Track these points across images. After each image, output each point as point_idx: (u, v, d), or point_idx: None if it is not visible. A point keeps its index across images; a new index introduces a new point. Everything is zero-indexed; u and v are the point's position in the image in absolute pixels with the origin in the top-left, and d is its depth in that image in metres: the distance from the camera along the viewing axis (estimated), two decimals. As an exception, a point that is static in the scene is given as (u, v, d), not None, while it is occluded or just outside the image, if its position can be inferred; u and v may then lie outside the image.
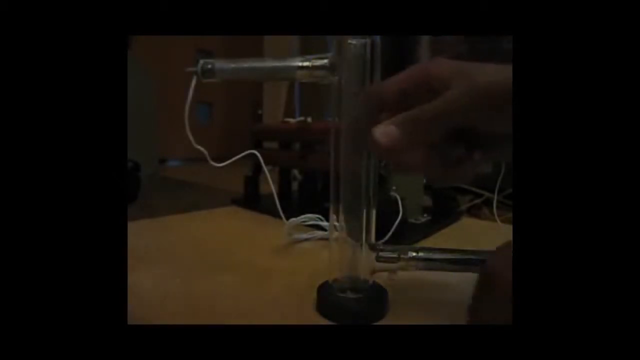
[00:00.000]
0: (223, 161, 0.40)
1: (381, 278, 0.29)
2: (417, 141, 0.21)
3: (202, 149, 0.34)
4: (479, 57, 0.21)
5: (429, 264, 0.28)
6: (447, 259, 0.29)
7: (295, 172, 0.68)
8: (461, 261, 0.28)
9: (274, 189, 0.44)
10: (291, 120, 0.62)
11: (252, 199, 0.65)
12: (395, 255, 0.29)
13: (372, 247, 0.28)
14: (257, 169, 0.64)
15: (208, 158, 0.36)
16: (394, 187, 0.46)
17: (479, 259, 0.27)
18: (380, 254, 0.28)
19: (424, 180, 0.55)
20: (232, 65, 0.29)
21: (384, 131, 0.21)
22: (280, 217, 0.46)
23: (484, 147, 0.23)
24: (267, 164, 0.48)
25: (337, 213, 0.26)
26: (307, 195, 0.61)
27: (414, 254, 0.28)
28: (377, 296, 0.27)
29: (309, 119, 0.59)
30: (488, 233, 0.50)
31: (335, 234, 0.27)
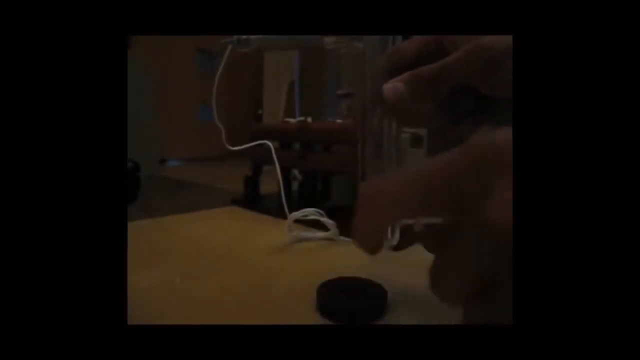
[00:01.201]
0: (223, 161, 0.40)
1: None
2: (422, 96, 0.23)
3: (220, 125, 0.36)
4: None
5: None
6: None
7: (295, 172, 0.68)
8: None
9: (281, 183, 0.44)
10: (291, 120, 0.62)
11: (252, 199, 0.65)
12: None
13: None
14: (257, 169, 0.64)
15: (224, 138, 0.37)
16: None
17: None
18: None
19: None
20: (266, 36, 0.31)
21: (392, 86, 0.23)
22: (280, 217, 0.46)
23: (485, 107, 0.25)
24: (267, 163, 0.48)
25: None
26: (307, 195, 0.61)
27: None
28: (376, 296, 0.27)
29: (309, 119, 0.59)
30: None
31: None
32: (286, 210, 0.43)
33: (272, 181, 0.49)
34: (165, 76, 1.70)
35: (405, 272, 0.29)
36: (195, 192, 0.86)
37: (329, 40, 0.28)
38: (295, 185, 0.67)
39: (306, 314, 0.27)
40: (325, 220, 0.44)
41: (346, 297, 0.27)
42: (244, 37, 0.31)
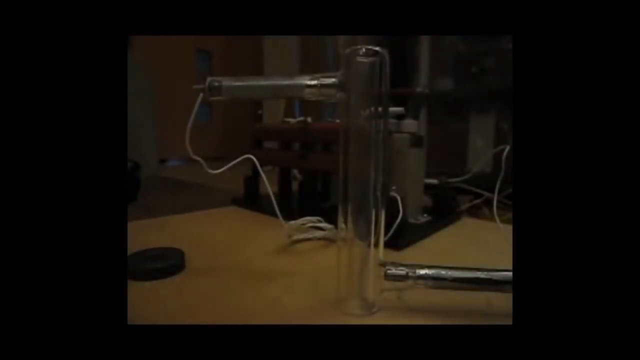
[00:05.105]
0: (223, 160, 0.40)
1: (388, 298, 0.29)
2: None
3: (199, 158, 0.35)
4: (479, 57, 0.22)
5: (439, 282, 0.28)
6: (457, 278, 0.28)
7: (295, 172, 0.68)
8: (472, 280, 0.28)
9: (271, 192, 0.44)
10: (291, 120, 0.62)
11: (252, 199, 0.65)
12: (403, 273, 0.28)
13: (381, 264, 0.27)
14: (257, 169, 0.64)
15: (205, 166, 0.36)
16: (393, 187, 0.46)
17: (489, 278, 0.27)
18: (388, 272, 0.28)
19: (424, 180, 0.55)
20: (239, 83, 0.29)
21: None
22: (279, 218, 0.46)
23: None
24: (267, 164, 0.48)
25: (345, 216, 0.26)
26: (307, 195, 0.61)
27: (423, 272, 0.28)
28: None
29: (309, 119, 0.59)
30: (488, 233, 0.50)
31: (342, 233, 0.27)
32: (280, 217, 0.43)
33: (272, 181, 0.49)
34: (165, 76, 1.70)
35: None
36: (195, 192, 0.86)
37: (308, 92, 0.27)
38: (295, 185, 0.67)
39: (306, 314, 0.27)
40: (324, 226, 0.44)
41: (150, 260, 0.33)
42: (216, 84, 0.29)
